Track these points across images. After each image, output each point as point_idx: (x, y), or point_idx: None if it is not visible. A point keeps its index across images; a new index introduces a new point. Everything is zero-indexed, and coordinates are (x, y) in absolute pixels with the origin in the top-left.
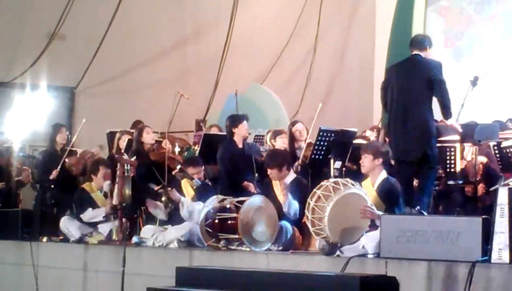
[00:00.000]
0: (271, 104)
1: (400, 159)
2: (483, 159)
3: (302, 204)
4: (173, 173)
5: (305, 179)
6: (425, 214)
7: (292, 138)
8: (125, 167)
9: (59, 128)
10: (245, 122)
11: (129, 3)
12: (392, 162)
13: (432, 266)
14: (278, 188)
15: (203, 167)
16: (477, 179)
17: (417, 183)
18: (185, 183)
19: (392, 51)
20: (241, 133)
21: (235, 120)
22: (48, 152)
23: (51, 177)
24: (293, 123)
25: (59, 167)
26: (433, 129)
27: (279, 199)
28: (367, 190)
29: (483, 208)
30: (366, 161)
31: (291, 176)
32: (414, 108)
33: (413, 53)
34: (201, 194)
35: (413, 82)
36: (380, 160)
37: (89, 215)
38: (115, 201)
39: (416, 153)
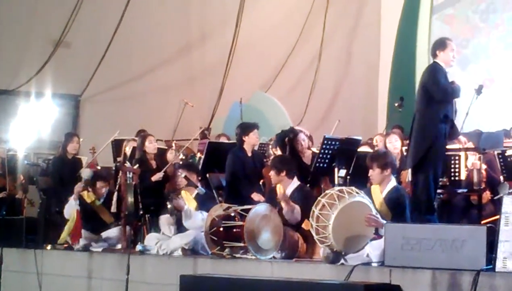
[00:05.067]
0: (276, 112)
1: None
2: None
3: (305, 209)
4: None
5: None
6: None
7: (293, 149)
8: (128, 175)
9: (71, 138)
10: (255, 130)
11: (134, 11)
12: None
13: (437, 274)
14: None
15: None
16: (482, 187)
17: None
18: (185, 193)
19: (397, 59)
20: (251, 142)
21: (245, 128)
22: (59, 160)
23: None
24: (294, 135)
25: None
26: (430, 135)
27: (283, 206)
28: (375, 196)
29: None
30: (375, 174)
31: (294, 184)
32: (417, 115)
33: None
34: (203, 202)
35: (418, 90)
36: (389, 170)
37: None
38: (113, 209)
39: (411, 161)
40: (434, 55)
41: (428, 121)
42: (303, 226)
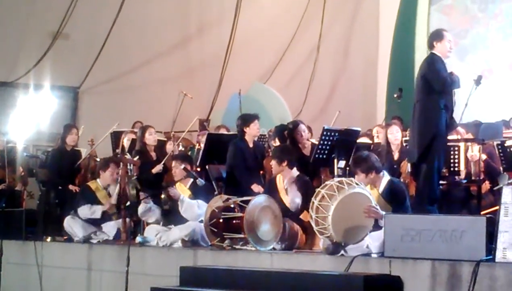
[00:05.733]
0: (274, 103)
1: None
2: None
3: (305, 200)
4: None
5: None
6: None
7: (293, 141)
8: (128, 167)
9: (69, 130)
10: (256, 121)
11: (133, 2)
12: None
13: (436, 265)
14: (281, 186)
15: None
16: (481, 177)
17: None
18: (179, 185)
19: (396, 50)
20: (252, 133)
21: (246, 119)
22: (58, 152)
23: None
24: (295, 125)
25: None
26: (433, 125)
27: (282, 197)
28: (372, 192)
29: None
30: (361, 179)
31: (294, 174)
32: (417, 106)
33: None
34: (202, 194)
35: (417, 81)
36: (373, 172)
37: (85, 211)
38: (114, 200)
39: (413, 155)
40: (431, 46)
41: (430, 111)
42: (302, 217)
